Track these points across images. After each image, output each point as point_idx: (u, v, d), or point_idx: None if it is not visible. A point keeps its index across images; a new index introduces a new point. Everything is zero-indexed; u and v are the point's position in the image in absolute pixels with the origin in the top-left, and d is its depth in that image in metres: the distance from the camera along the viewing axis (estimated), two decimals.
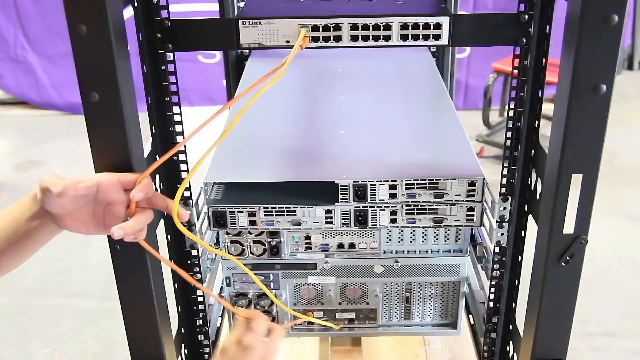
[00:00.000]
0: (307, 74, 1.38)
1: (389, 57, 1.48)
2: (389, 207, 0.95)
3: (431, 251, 1.03)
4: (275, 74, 0.79)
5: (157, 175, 0.89)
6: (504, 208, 0.93)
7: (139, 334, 0.87)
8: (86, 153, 0.74)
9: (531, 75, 0.83)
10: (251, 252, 1.02)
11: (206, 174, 0.97)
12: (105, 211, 0.75)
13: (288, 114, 1.21)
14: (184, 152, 0.92)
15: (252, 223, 0.97)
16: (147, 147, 0.85)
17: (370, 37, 0.82)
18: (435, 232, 1.02)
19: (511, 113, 0.87)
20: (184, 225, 0.85)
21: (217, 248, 1.07)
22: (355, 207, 0.96)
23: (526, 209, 0.91)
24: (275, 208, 0.96)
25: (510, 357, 1.01)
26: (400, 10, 0.83)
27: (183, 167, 0.93)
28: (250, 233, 1.00)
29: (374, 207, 0.95)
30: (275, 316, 1.07)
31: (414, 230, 1.01)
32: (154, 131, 0.88)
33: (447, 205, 0.95)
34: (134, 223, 0.74)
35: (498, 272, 0.98)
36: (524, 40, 0.81)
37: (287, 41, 0.82)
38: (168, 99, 0.87)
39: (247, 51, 1.62)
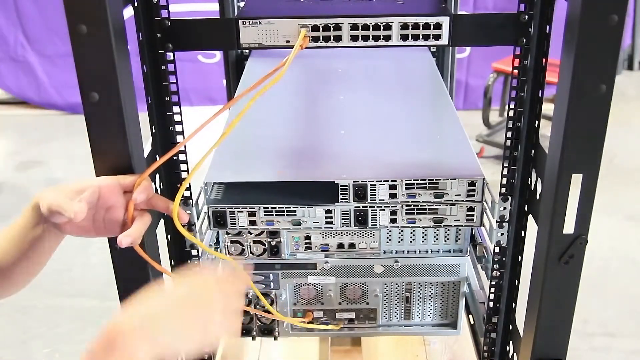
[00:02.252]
0: (307, 74, 1.38)
1: (389, 57, 1.48)
2: (389, 207, 0.95)
3: (431, 251, 1.03)
4: (276, 74, 0.79)
5: (157, 176, 0.89)
6: (504, 208, 0.93)
7: None
8: (86, 153, 0.74)
9: (531, 75, 0.83)
10: (251, 252, 1.02)
11: (206, 174, 0.97)
12: (105, 215, 0.75)
13: (288, 114, 1.21)
14: (184, 152, 0.92)
15: (252, 223, 0.97)
16: (147, 147, 0.85)
17: (370, 37, 0.82)
18: (435, 232, 1.02)
19: (511, 113, 0.87)
20: (184, 226, 0.85)
21: (217, 248, 1.07)
22: (355, 207, 0.96)
23: (526, 209, 0.91)
24: (275, 208, 0.96)
25: (510, 357, 1.01)
26: (400, 10, 0.83)
27: (183, 167, 0.93)
28: (250, 233, 1.00)
29: (374, 207, 0.95)
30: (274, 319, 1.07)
31: (414, 230, 1.01)
32: (154, 131, 0.88)
33: (447, 205, 0.95)
34: (138, 228, 0.74)
35: (498, 272, 0.98)
36: (524, 40, 0.81)
37: (287, 41, 0.82)
38: (168, 99, 0.87)
39: (247, 51, 1.62)
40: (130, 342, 0.56)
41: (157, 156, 0.89)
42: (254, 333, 1.10)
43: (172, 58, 0.85)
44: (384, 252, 1.03)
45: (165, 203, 0.78)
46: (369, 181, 0.94)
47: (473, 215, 0.96)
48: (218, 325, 0.65)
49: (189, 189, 0.94)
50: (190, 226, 0.94)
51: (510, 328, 1.00)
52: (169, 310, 0.62)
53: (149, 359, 0.57)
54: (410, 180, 0.94)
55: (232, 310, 0.67)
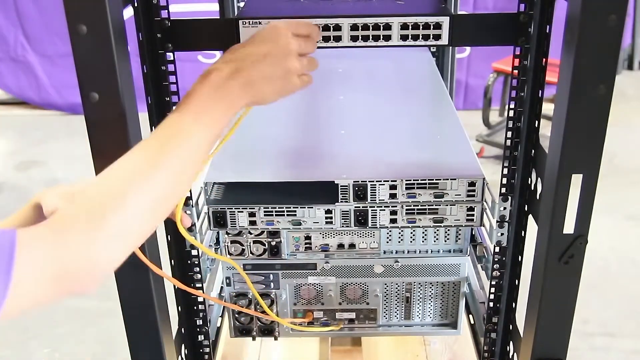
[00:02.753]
0: None
1: (389, 57, 1.48)
2: (389, 207, 0.95)
3: (431, 251, 1.03)
4: None
5: None
6: (504, 208, 0.93)
7: (139, 334, 0.87)
8: (86, 153, 0.74)
9: (531, 75, 0.83)
10: (251, 252, 1.02)
11: (206, 174, 0.97)
12: None
13: (288, 114, 1.21)
14: None
15: (252, 223, 0.97)
16: None
17: (370, 37, 0.82)
18: (435, 232, 1.02)
19: (511, 113, 0.87)
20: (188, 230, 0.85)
21: (217, 248, 1.07)
22: (355, 207, 0.96)
23: (526, 209, 0.91)
24: (275, 208, 0.96)
25: (510, 357, 1.01)
26: (400, 10, 0.83)
27: None
28: (250, 233, 1.00)
29: (374, 207, 0.95)
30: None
31: (414, 230, 1.01)
32: None
33: (447, 205, 0.95)
34: None
35: (498, 272, 0.98)
36: (524, 40, 0.81)
37: None
38: (168, 99, 0.87)
39: None
40: (230, 90, 0.67)
41: None
42: (254, 333, 1.10)
43: (172, 58, 0.85)
44: (384, 252, 1.03)
45: None
46: (369, 181, 0.94)
47: (473, 215, 0.96)
48: (297, 69, 0.72)
49: None
50: (190, 226, 0.94)
51: (510, 328, 1.00)
52: (256, 58, 0.70)
53: (245, 104, 0.70)
54: (410, 180, 0.94)
55: (307, 57, 0.74)
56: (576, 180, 0.73)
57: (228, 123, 0.70)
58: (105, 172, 0.61)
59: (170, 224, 0.95)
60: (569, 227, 0.76)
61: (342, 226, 0.97)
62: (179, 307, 1.01)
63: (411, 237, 1.02)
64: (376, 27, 0.81)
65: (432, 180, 0.94)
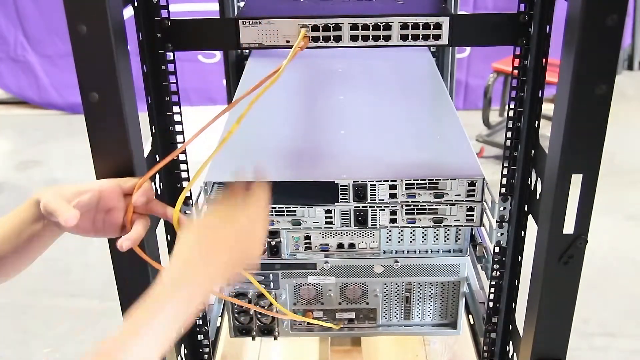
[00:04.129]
0: (307, 74, 1.38)
1: (389, 57, 1.48)
2: (388, 207, 0.95)
3: (431, 251, 1.03)
4: (272, 78, 0.79)
5: (157, 176, 0.89)
6: (504, 208, 0.93)
7: None
8: (86, 153, 0.74)
9: (531, 75, 0.83)
10: None
11: (206, 174, 0.97)
12: (105, 217, 0.75)
13: (288, 114, 1.21)
14: (184, 152, 0.92)
15: None
16: (147, 147, 0.85)
17: (370, 37, 0.82)
18: (435, 232, 1.02)
19: (511, 113, 0.87)
20: None
21: None
22: (355, 207, 0.96)
23: (526, 209, 0.91)
24: (275, 208, 0.96)
25: (510, 357, 1.01)
26: (400, 10, 0.83)
27: (183, 167, 0.93)
28: None
29: (373, 207, 0.95)
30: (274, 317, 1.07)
31: (413, 230, 1.01)
32: (154, 131, 0.88)
33: (447, 205, 0.95)
34: (138, 231, 0.74)
35: (498, 272, 0.98)
36: (524, 40, 0.81)
37: (287, 41, 0.82)
38: (168, 98, 0.87)
39: (247, 51, 1.62)
40: (189, 288, 0.66)
41: (157, 156, 0.89)
42: (254, 333, 1.10)
43: (172, 58, 0.85)
44: (384, 252, 1.03)
45: (164, 208, 0.78)
46: (369, 181, 0.94)
47: (473, 215, 0.96)
48: (246, 253, 0.73)
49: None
50: None
51: (510, 328, 1.00)
52: (204, 254, 0.70)
53: (204, 297, 0.69)
54: (410, 180, 0.94)
55: (256, 234, 0.76)
56: (576, 180, 0.73)
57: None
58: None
59: (170, 224, 0.95)
60: (568, 227, 0.76)
61: (342, 226, 0.97)
62: None
63: (411, 237, 1.02)
64: (376, 27, 0.81)
65: (432, 180, 0.94)
